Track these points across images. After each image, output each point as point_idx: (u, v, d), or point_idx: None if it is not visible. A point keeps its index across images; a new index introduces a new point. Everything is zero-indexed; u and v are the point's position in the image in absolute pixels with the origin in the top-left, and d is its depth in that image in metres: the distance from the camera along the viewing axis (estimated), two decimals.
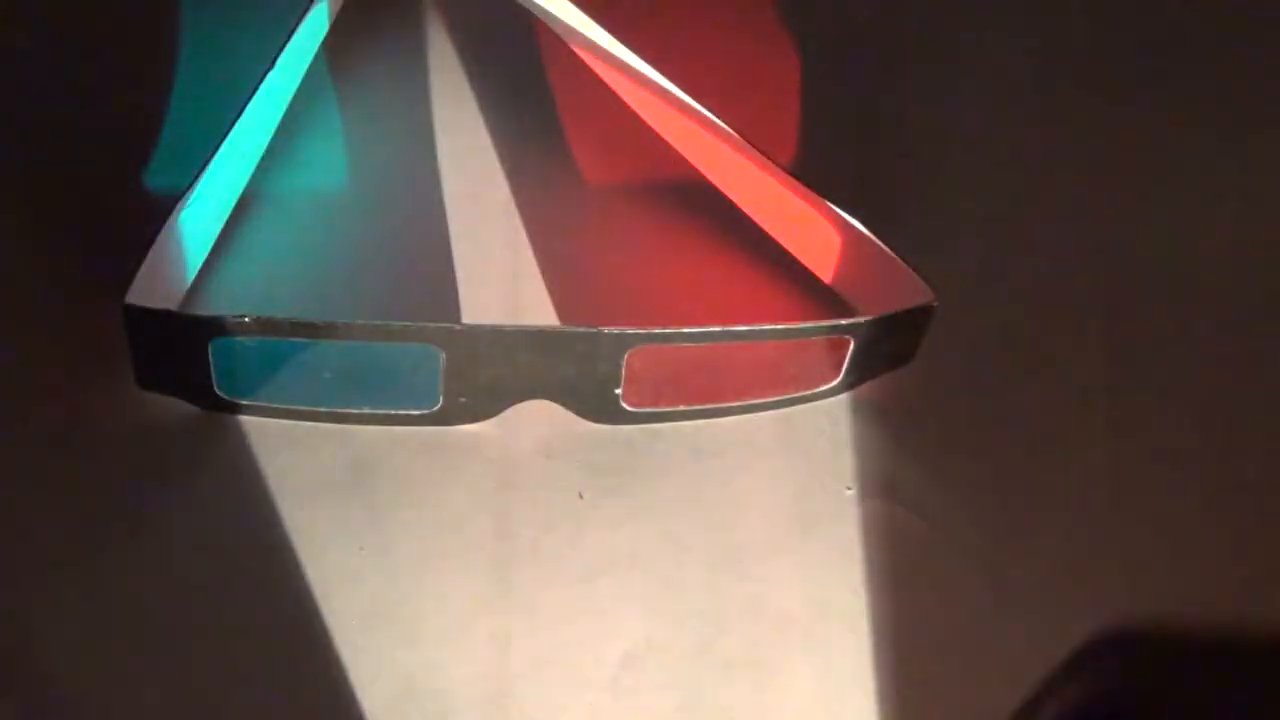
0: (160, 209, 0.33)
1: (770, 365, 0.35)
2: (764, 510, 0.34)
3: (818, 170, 0.39)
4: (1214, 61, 0.46)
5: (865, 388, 0.36)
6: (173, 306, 0.34)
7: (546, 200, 0.40)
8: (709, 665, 0.31)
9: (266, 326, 0.31)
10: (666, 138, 0.40)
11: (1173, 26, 0.47)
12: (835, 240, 0.37)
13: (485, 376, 0.33)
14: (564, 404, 0.34)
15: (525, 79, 0.44)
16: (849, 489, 0.34)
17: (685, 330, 0.33)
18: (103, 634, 0.29)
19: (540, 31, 0.45)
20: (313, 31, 0.41)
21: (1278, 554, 0.33)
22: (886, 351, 0.36)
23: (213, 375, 0.32)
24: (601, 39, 0.40)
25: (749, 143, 0.38)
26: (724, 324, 0.33)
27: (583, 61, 0.41)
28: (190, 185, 0.34)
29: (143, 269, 0.32)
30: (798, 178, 0.37)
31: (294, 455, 0.33)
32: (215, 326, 0.31)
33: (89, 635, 0.29)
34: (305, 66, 0.41)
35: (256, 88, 0.36)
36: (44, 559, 0.31)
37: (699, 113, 0.38)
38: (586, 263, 0.39)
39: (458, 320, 0.36)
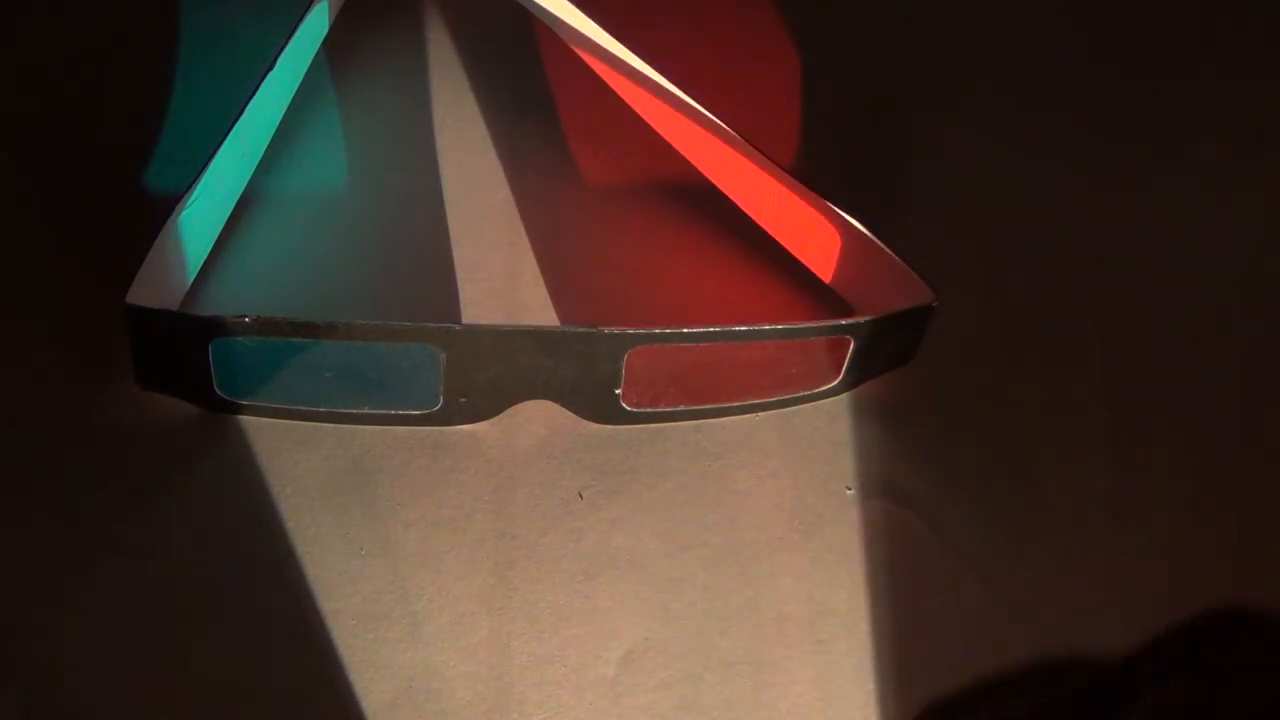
0: (160, 209, 0.33)
1: (770, 365, 0.35)
2: (764, 510, 0.34)
3: (818, 170, 0.39)
4: (1214, 62, 0.46)
5: (865, 388, 0.36)
6: (173, 306, 0.34)
7: (546, 200, 0.40)
8: (709, 665, 0.31)
9: (266, 326, 0.31)
10: (666, 138, 0.40)
11: (1173, 28, 0.47)
12: (835, 240, 0.37)
13: (485, 376, 0.33)
14: (564, 404, 0.34)
15: (525, 79, 0.44)
16: (849, 489, 0.34)
17: (685, 330, 0.33)
18: (102, 633, 0.29)
19: (540, 31, 0.45)
20: (313, 31, 0.41)
21: (1277, 555, 0.33)
22: (886, 351, 0.36)
23: (213, 375, 0.32)
24: (601, 39, 0.40)
25: (749, 143, 0.38)
26: (724, 324, 0.33)
27: (583, 61, 0.41)
28: (190, 185, 0.34)
29: (143, 269, 0.32)
30: (798, 178, 0.37)
31: (294, 455, 0.33)
32: (215, 326, 0.31)
33: (89, 634, 0.29)
34: (305, 66, 0.41)
35: (256, 88, 0.36)
36: (44, 558, 0.31)
37: (699, 113, 0.38)
38: (586, 263, 0.39)
39: (458, 320, 0.36)
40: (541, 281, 0.38)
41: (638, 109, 0.41)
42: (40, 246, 0.36)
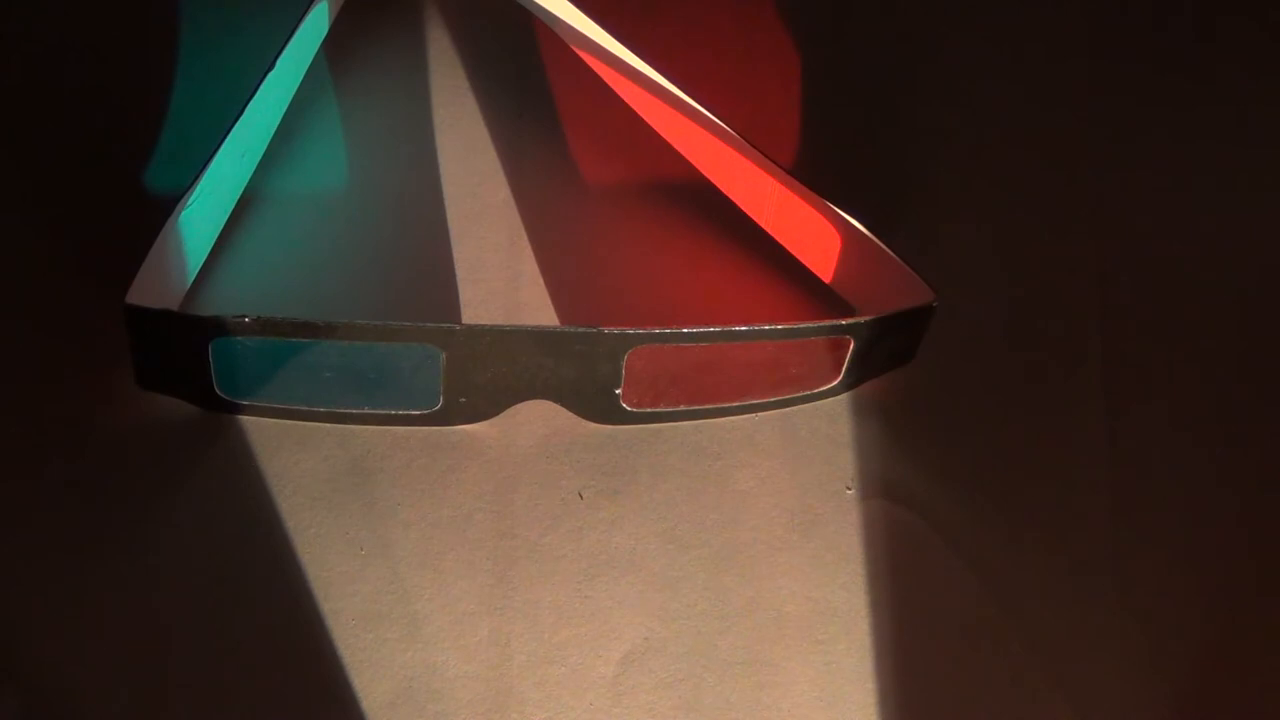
0: (160, 209, 0.33)
1: (770, 365, 0.35)
2: (764, 510, 0.34)
3: (818, 170, 0.39)
4: (1214, 62, 0.46)
5: (865, 387, 0.36)
6: (173, 306, 0.34)
7: (546, 200, 0.40)
8: (709, 665, 0.31)
9: (266, 326, 0.31)
10: (666, 138, 0.40)
11: (1172, 28, 0.47)
12: (835, 240, 0.37)
13: (485, 376, 0.33)
14: (564, 404, 0.34)
15: (525, 79, 0.44)
16: (849, 489, 0.34)
17: (685, 330, 0.33)
18: (102, 633, 0.30)
19: (540, 31, 0.45)
20: (313, 31, 0.41)
21: (1276, 554, 0.33)
22: (887, 351, 0.36)
23: (213, 375, 0.32)
24: (601, 39, 0.40)
25: (749, 143, 0.38)
26: (724, 324, 0.33)
27: (583, 61, 0.41)
28: (190, 185, 0.34)
29: (143, 269, 0.32)
30: (798, 178, 0.37)
31: (294, 455, 0.33)
32: (215, 326, 0.31)
33: (89, 634, 0.29)
34: (305, 66, 0.41)
35: (256, 88, 0.36)
36: (45, 558, 0.31)
37: (699, 113, 0.38)
38: (586, 263, 0.39)
39: (458, 320, 0.36)
40: (541, 281, 0.38)
41: (638, 109, 0.41)
42: (40, 246, 0.36)
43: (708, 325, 0.33)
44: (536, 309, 0.37)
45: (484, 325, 0.33)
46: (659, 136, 0.40)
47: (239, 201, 0.38)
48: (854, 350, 0.35)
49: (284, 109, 0.40)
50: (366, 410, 0.34)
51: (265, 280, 0.37)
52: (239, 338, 0.31)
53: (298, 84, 0.41)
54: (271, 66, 0.37)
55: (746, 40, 0.46)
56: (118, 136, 0.39)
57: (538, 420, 0.34)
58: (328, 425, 0.34)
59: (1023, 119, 0.44)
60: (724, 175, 0.40)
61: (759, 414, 0.36)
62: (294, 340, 0.32)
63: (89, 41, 0.42)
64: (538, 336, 0.32)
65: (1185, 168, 0.43)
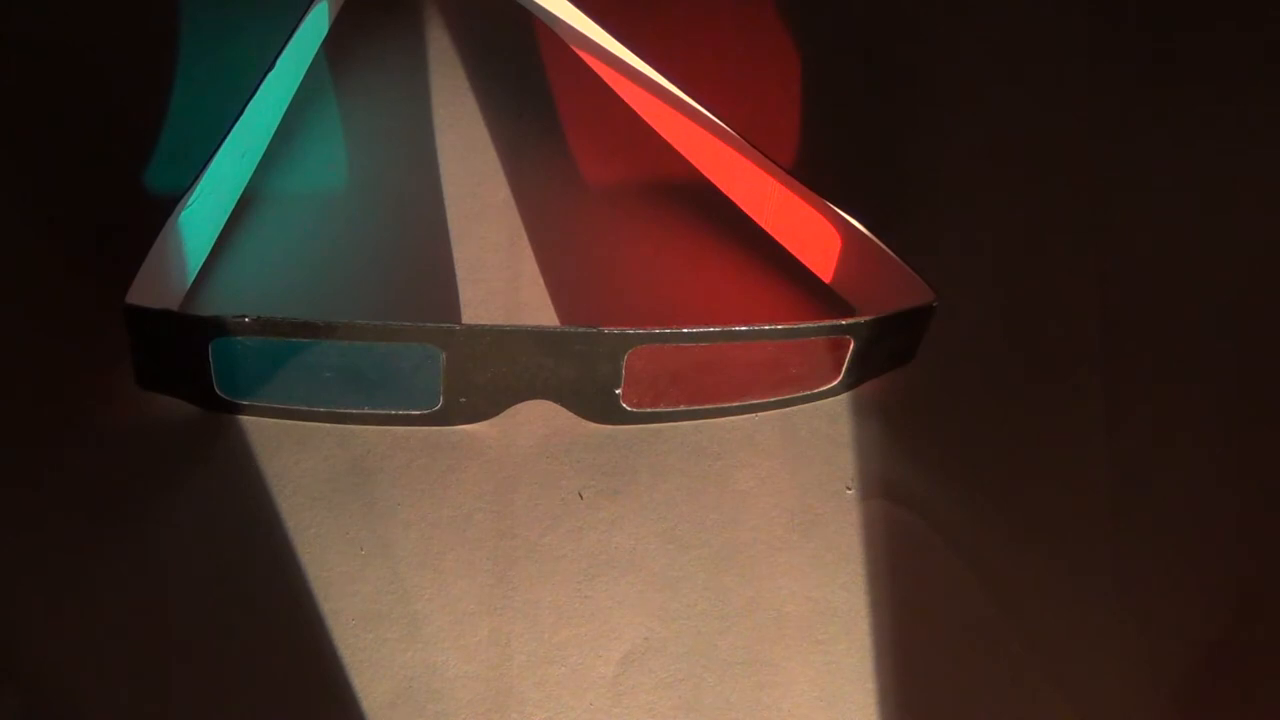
0: (160, 209, 0.33)
1: (770, 365, 0.35)
2: (764, 510, 0.34)
3: (818, 170, 0.39)
4: (1215, 62, 0.46)
5: (865, 387, 0.36)
6: (173, 306, 0.34)
7: (546, 200, 0.40)
8: (709, 665, 0.31)
9: (266, 326, 0.31)
10: (666, 137, 0.40)
11: (1174, 27, 0.47)
12: (835, 240, 0.37)
13: (485, 376, 0.33)
14: (564, 404, 0.34)
15: (525, 79, 0.44)
16: (849, 489, 0.34)
17: (685, 330, 0.33)
18: (102, 632, 0.30)
19: (540, 31, 0.45)
20: (313, 31, 0.41)
21: (1276, 554, 0.33)
22: (887, 351, 0.36)
23: (213, 375, 0.32)
24: (601, 39, 0.40)
25: (750, 143, 0.38)
26: (724, 324, 0.33)
27: (583, 61, 0.41)
28: (190, 185, 0.34)
29: (143, 269, 0.32)
30: (798, 178, 0.37)
31: (294, 455, 0.33)
32: (215, 326, 0.31)
33: (89, 633, 0.29)
34: (305, 67, 0.41)
35: (256, 88, 0.36)
36: (44, 557, 0.31)
37: (699, 113, 0.38)
38: (586, 263, 0.39)
39: (458, 320, 0.36)
40: (541, 281, 0.38)
41: (638, 109, 0.41)
42: (40, 246, 0.36)
43: (708, 325, 0.33)
44: (536, 309, 0.37)
45: (484, 325, 0.33)
46: (659, 136, 0.40)
47: (239, 201, 0.38)
48: (854, 350, 0.35)
49: (284, 109, 0.40)
50: (366, 410, 0.34)
51: (265, 280, 0.37)
52: (239, 338, 0.31)
53: (298, 84, 0.41)
54: (271, 66, 0.37)
55: (746, 40, 0.46)
56: (118, 136, 0.39)
57: (538, 420, 0.35)
58: (328, 425, 0.34)
59: (1023, 119, 0.44)
60: (724, 175, 0.40)
61: (759, 414, 0.36)
62: (294, 340, 0.32)
63: (89, 41, 0.42)
64: (538, 336, 0.32)
65: (1185, 168, 0.43)
